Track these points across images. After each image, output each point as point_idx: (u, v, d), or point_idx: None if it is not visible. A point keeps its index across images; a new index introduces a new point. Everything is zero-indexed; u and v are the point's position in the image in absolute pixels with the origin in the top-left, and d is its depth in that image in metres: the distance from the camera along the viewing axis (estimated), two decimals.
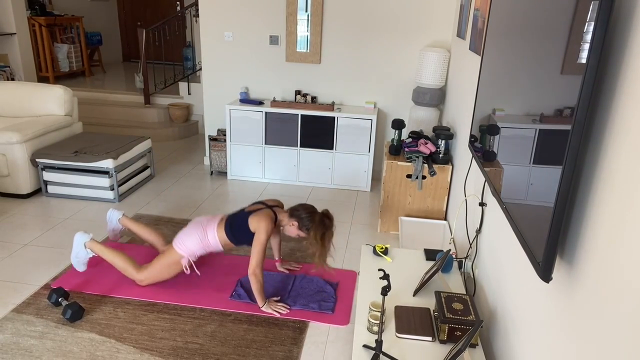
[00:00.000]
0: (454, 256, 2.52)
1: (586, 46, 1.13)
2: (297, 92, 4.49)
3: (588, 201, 1.23)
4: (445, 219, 3.53)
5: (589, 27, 1.11)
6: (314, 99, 4.49)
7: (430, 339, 1.90)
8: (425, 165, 3.42)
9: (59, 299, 2.52)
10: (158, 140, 5.66)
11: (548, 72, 1.40)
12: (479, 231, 2.42)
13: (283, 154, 4.38)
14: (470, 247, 2.56)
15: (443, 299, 1.97)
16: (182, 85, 5.98)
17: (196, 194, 4.16)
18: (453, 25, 4.09)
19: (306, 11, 4.26)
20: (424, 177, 3.44)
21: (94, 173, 3.84)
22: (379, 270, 1.84)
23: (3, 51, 5.79)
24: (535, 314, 1.53)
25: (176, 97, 6.00)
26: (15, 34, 5.73)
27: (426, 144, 3.50)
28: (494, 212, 2.17)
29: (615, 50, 1.16)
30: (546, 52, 1.42)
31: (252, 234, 2.57)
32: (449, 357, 1.65)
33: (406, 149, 3.53)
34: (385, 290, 1.76)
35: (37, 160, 3.84)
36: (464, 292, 2.10)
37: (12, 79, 5.74)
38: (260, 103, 4.36)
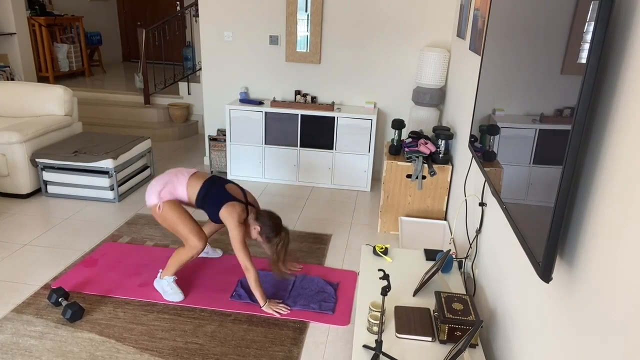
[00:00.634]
0: (454, 256, 2.51)
1: (586, 46, 1.13)
2: (297, 92, 4.49)
3: (588, 201, 1.23)
4: (445, 219, 3.53)
5: (589, 27, 1.11)
6: (313, 99, 4.48)
7: (430, 339, 1.89)
8: (425, 165, 3.42)
9: (59, 299, 2.52)
10: (158, 140, 5.66)
11: (548, 72, 1.40)
12: (479, 231, 2.42)
13: (283, 154, 4.38)
14: (470, 247, 2.56)
15: (443, 299, 1.97)
16: (182, 85, 5.98)
17: None
18: (453, 25, 4.09)
19: (306, 11, 4.26)
20: (424, 177, 3.44)
21: (94, 173, 3.84)
22: (379, 270, 1.83)
23: (3, 51, 5.80)
24: (535, 314, 1.53)
25: (176, 97, 6.00)
26: (15, 34, 5.73)
27: (426, 144, 3.50)
28: (494, 212, 2.17)
29: (615, 50, 1.16)
30: (546, 52, 1.42)
31: (219, 219, 2.58)
32: (449, 357, 1.65)
33: (406, 149, 3.53)
34: (385, 291, 1.76)
35: (37, 160, 3.84)
36: (464, 292, 2.10)
37: (12, 79, 5.74)
38: (260, 103, 4.36)
